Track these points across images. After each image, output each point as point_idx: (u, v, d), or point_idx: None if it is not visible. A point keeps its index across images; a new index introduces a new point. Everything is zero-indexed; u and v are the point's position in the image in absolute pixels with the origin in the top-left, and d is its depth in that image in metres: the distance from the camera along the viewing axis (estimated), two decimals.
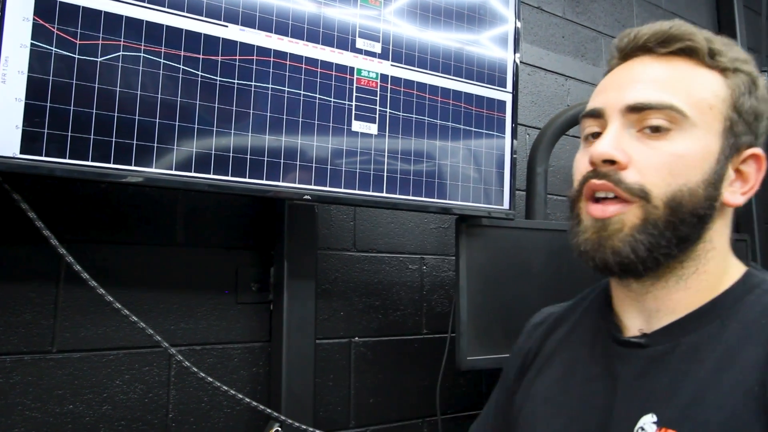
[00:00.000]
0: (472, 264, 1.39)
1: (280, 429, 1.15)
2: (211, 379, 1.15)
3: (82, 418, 1.20)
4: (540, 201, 1.64)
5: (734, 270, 0.66)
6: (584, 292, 0.80)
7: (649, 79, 0.64)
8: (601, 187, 0.62)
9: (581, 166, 0.67)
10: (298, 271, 1.35)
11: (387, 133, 1.24)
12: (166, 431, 1.28)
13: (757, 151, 0.65)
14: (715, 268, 0.65)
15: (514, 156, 1.41)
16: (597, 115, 0.66)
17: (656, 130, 0.62)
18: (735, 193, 0.64)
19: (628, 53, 0.68)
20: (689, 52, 0.64)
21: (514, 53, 1.43)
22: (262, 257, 1.42)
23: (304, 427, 1.21)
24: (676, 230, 0.61)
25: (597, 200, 0.63)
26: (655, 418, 0.59)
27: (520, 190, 1.74)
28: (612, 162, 0.62)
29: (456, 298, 1.41)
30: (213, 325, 1.36)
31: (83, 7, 0.95)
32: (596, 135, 0.66)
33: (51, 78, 0.92)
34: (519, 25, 1.44)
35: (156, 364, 1.28)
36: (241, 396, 1.16)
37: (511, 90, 1.41)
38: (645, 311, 0.66)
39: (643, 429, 0.59)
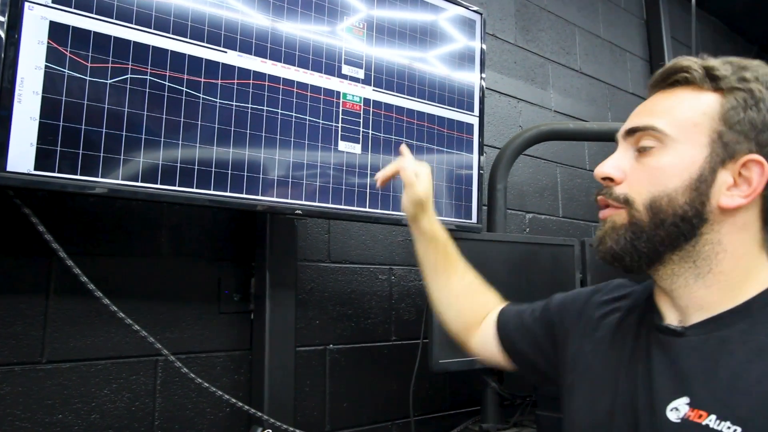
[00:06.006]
0: None
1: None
2: (219, 392, 1.20)
3: (71, 427, 1.22)
4: (500, 215, 1.77)
5: (764, 276, 0.71)
6: (633, 288, 0.90)
7: (645, 109, 0.76)
8: (600, 201, 0.77)
9: None
10: (280, 282, 1.42)
11: (369, 153, 1.34)
12: None
13: (755, 156, 0.68)
14: (732, 270, 0.71)
15: (481, 173, 1.54)
16: (615, 140, 0.79)
17: (645, 148, 0.73)
18: (734, 197, 0.69)
19: (650, 91, 0.79)
20: (687, 81, 0.73)
21: (480, 81, 1.56)
22: (242, 268, 1.48)
23: (291, 429, 1.27)
24: (658, 230, 0.71)
25: (605, 208, 0.77)
26: (688, 400, 0.67)
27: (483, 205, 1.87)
28: (611, 179, 0.75)
29: (428, 306, 1.51)
30: (197, 335, 1.40)
31: (94, 32, 1.00)
32: None
33: (64, 98, 0.97)
34: (485, 50, 1.58)
35: (143, 373, 1.32)
36: (234, 401, 1.22)
37: (477, 114, 1.54)
38: (677, 307, 0.75)
39: (676, 409, 0.67)
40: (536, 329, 0.96)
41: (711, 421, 0.64)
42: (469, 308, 1.07)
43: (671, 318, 0.75)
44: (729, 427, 0.63)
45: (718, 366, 0.67)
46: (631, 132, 0.75)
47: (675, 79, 0.74)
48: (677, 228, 0.70)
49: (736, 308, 0.70)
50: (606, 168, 0.75)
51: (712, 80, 0.71)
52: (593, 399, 0.79)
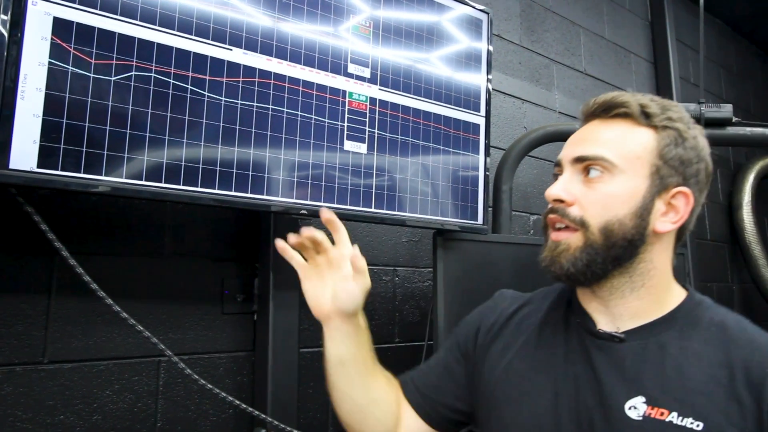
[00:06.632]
0: (448, 275, 1.49)
1: None
2: (222, 393, 1.19)
3: (72, 428, 1.21)
4: (506, 216, 1.76)
5: (678, 290, 0.84)
6: (543, 289, 0.97)
7: (592, 137, 0.82)
8: (555, 219, 0.82)
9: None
10: (283, 282, 1.41)
11: (375, 152, 1.32)
12: None
13: (684, 189, 0.80)
14: (659, 284, 0.82)
15: (487, 174, 1.53)
16: (558, 164, 0.86)
17: (594, 175, 0.80)
18: (665, 222, 0.80)
19: (587, 117, 0.87)
20: (626, 115, 0.82)
21: (487, 82, 1.55)
22: (246, 269, 1.47)
23: (295, 431, 1.26)
24: (610, 251, 0.78)
25: (557, 229, 0.82)
26: (644, 399, 0.74)
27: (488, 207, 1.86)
28: (561, 200, 0.81)
29: (433, 308, 1.50)
30: (200, 336, 1.39)
31: (98, 29, 0.99)
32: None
33: (67, 95, 0.96)
34: (491, 50, 1.57)
35: (145, 374, 1.31)
36: (237, 402, 1.21)
37: (484, 114, 1.53)
38: (610, 314, 0.83)
39: (635, 407, 0.74)
40: (452, 365, 0.96)
41: (674, 417, 0.72)
42: (395, 398, 0.98)
43: (604, 323, 0.83)
44: (692, 422, 0.70)
45: (665, 368, 0.75)
46: (580, 160, 0.81)
47: (616, 112, 0.82)
48: (624, 249, 0.79)
49: (664, 317, 0.80)
50: (557, 191, 0.81)
51: (646, 117, 0.81)
52: (531, 402, 0.82)
